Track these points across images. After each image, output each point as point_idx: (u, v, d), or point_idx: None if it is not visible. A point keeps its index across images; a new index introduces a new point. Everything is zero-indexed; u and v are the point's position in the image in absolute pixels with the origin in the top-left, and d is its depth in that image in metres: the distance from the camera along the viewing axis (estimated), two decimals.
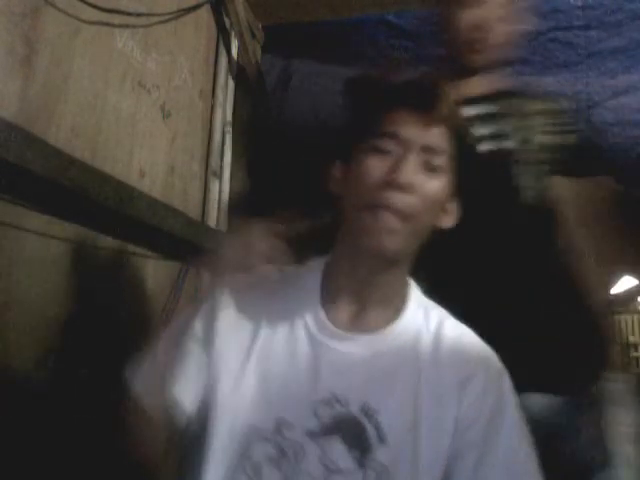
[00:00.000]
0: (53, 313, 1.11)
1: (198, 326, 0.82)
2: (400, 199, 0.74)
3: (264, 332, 0.80)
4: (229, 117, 1.89)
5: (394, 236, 0.74)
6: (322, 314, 0.81)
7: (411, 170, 0.75)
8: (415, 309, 0.83)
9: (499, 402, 0.77)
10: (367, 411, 0.75)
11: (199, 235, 1.61)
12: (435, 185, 0.77)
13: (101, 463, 1.19)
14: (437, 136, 0.77)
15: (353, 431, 0.74)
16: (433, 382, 0.77)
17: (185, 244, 1.54)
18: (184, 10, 1.55)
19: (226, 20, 1.84)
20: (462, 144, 0.80)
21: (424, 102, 0.77)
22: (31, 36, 1.03)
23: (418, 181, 0.75)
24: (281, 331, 0.80)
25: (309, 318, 0.81)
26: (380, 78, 0.81)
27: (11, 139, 0.89)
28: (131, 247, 1.39)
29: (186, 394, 0.79)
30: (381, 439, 0.73)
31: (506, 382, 0.79)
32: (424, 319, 0.83)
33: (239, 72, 1.92)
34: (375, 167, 0.76)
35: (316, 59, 1.94)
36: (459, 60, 1.19)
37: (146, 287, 1.47)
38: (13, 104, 1.00)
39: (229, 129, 1.88)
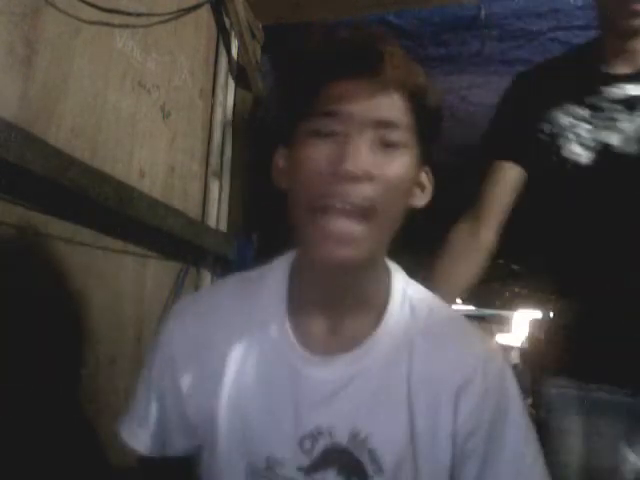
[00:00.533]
0: (53, 313, 1.11)
1: (161, 376, 0.75)
2: (355, 192, 0.60)
3: (231, 363, 0.70)
4: (229, 117, 1.89)
5: (354, 243, 0.61)
6: (292, 338, 0.70)
7: (363, 153, 0.60)
8: (399, 307, 0.71)
9: (501, 406, 0.69)
10: (357, 439, 0.67)
11: (199, 235, 1.61)
12: (397, 165, 0.63)
13: (97, 462, 1.19)
14: (390, 106, 0.62)
15: (347, 463, 0.67)
16: (426, 393, 0.68)
17: (185, 244, 1.54)
18: (184, 10, 1.55)
19: (226, 20, 1.83)
20: (423, 109, 0.65)
21: (366, 66, 0.61)
22: (31, 36, 1.03)
23: (375, 165, 0.61)
24: (250, 359, 0.71)
25: (278, 343, 0.70)
26: (316, 45, 0.65)
27: (11, 139, 0.89)
28: (131, 247, 1.39)
29: (175, 446, 0.76)
30: (378, 467, 0.67)
31: (508, 382, 0.71)
32: (410, 316, 0.71)
33: (239, 72, 1.92)
34: (318, 155, 0.61)
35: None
36: (615, 24, 1.04)
37: (146, 287, 1.47)
38: (13, 104, 1.00)
39: (229, 129, 1.88)
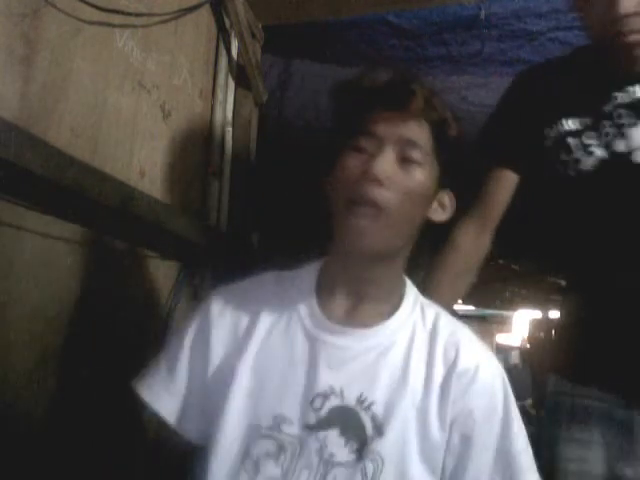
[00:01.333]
0: (53, 313, 1.11)
1: (194, 337, 0.84)
2: (375, 192, 0.75)
3: (259, 331, 0.82)
4: (229, 117, 1.89)
5: (372, 233, 0.75)
6: (317, 310, 0.82)
7: (386, 163, 0.76)
8: (411, 306, 0.84)
9: (492, 402, 0.79)
10: (363, 402, 0.76)
11: (199, 235, 1.61)
12: (413, 178, 0.77)
13: (103, 463, 1.19)
14: (413, 129, 0.78)
15: (351, 423, 0.76)
16: (422, 378, 0.78)
17: (185, 244, 1.54)
18: (184, 10, 1.55)
19: (226, 20, 1.83)
20: (443, 136, 0.80)
21: (399, 99, 0.78)
22: (31, 36, 1.03)
23: (394, 174, 0.76)
24: (277, 328, 0.82)
25: (305, 314, 0.82)
26: (360, 82, 0.83)
27: (11, 139, 0.89)
28: (131, 247, 1.39)
29: (189, 410, 0.82)
30: (378, 430, 0.75)
31: (500, 382, 0.81)
32: (420, 316, 0.84)
33: (239, 72, 1.92)
34: (353, 164, 0.78)
35: (316, 59, 1.94)
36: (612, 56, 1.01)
37: (146, 287, 1.47)
38: (13, 104, 1.00)
39: (229, 129, 1.88)
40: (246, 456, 0.75)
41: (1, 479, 0.96)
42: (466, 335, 0.84)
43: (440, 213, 0.85)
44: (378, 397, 0.77)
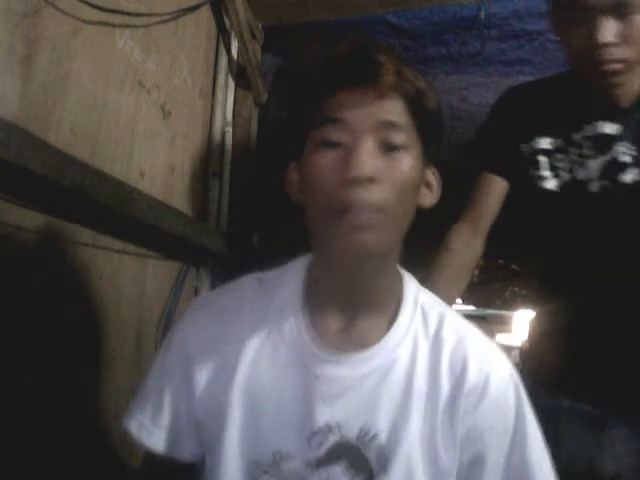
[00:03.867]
0: (53, 313, 1.11)
1: (173, 371, 0.76)
2: (365, 195, 0.63)
3: (245, 357, 0.73)
4: (229, 117, 1.89)
5: (373, 231, 0.64)
6: (306, 337, 0.72)
7: (368, 158, 0.64)
8: (411, 312, 0.74)
9: (504, 416, 0.71)
10: (365, 436, 0.69)
11: (199, 235, 1.61)
12: (402, 166, 0.66)
13: (99, 462, 1.19)
14: (388, 108, 0.65)
15: (353, 459, 0.69)
16: (427, 398, 0.70)
17: (185, 244, 1.54)
18: (184, 10, 1.55)
19: (226, 20, 1.83)
20: (422, 109, 0.68)
21: (365, 74, 0.65)
22: (31, 36, 1.03)
23: (380, 168, 0.64)
24: (263, 353, 0.73)
25: (293, 342, 0.72)
26: (313, 60, 0.69)
27: (11, 139, 0.89)
28: (131, 247, 1.39)
29: (184, 443, 0.77)
30: (382, 464, 0.69)
31: (512, 392, 0.72)
32: (422, 322, 0.74)
33: (239, 72, 1.92)
34: (326, 164, 0.65)
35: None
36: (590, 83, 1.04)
37: (146, 287, 1.47)
38: (13, 104, 1.00)
39: (229, 129, 1.88)
40: None
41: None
42: (474, 342, 0.74)
43: (429, 196, 0.74)
44: (381, 427, 0.69)
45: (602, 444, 1.04)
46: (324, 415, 0.69)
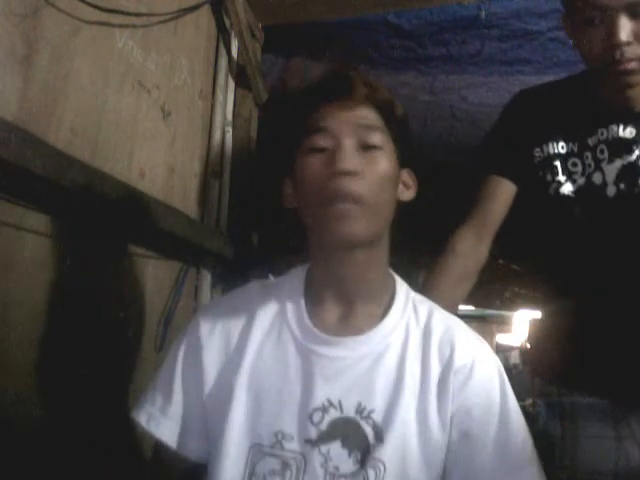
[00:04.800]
0: (53, 313, 1.11)
1: (186, 361, 0.83)
2: (349, 185, 0.74)
3: (251, 347, 0.81)
4: (229, 117, 1.89)
5: (356, 220, 0.74)
6: (307, 321, 0.81)
7: (350, 154, 0.75)
8: (403, 304, 0.84)
9: (489, 397, 0.78)
10: (362, 411, 0.76)
11: (199, 235, 1.61)
12: (377, 163, 0.77)
13: (102, 463, 1.19)
14: (365, 115, 0.78)
15: (352, 434, 0.75)
16: (419, 379, 0.78)
17: (185, 244, 1.54)
18: (184, 10, 1.55)
19: (226, 20, 1.84)
20: (392, 117, 0.82)
21: (341, 89, 0.79)
22: (31, 36, 1.03)
23: (359, 163, 0.76)
24: (269, 342, 0.81)
25: (295, 326, 0.81)
26: (298, 85, 0.86)
27: (11, 139, 0.89)
28: (131, 247, 1.39)
29: (189, 433, 0.82)
30: (379, 437, 0.75)
31: (497, 376, 0.80)
32: (413, 314, 0.84)
33: (239, 72, 1.92)
34: (315, 164, 0.77)
35: (316, 59, 1.94)
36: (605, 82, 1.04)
37: (146, 287, 1.47)
38: (13, 104, 1.00)
39: (229, 129, 1.88)
40: (252, 475, 0.75)
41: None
42: (461, 330, 0.83)
43: (407, 193, 0.85)
44: (377, 404, 0.76)
45: (623, 436, 1.02)
46: (324, 392, 0.76)
